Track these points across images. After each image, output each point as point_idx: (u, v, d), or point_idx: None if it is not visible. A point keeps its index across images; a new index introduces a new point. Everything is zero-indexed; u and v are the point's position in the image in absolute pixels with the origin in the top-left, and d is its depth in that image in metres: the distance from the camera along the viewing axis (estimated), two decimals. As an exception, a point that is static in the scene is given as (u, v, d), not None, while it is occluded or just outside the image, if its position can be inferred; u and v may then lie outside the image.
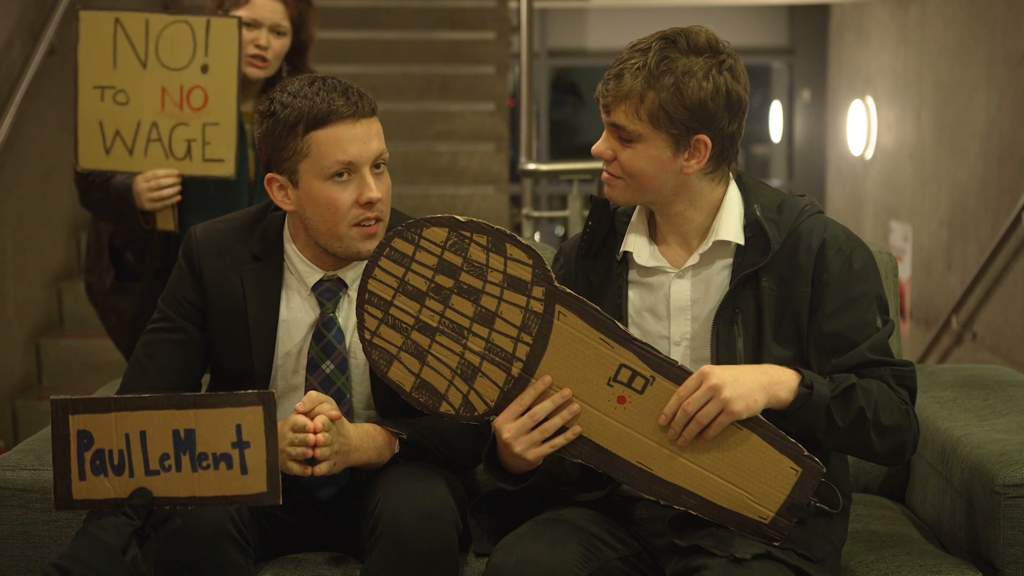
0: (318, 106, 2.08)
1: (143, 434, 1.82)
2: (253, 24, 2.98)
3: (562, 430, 1.98)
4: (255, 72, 3.00)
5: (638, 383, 1.95)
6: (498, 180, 5.99)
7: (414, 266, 1.98)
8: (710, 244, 2.08)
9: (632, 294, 2.13)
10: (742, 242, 2.07)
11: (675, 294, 2.10)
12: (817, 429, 1.97)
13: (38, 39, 4.70)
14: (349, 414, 2.19)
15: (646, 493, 1.98)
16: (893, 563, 2.12)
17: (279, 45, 3.02)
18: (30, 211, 4.76)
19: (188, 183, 2.99)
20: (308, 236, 2.18)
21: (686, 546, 1.97)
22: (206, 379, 2.35)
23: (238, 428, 1.82)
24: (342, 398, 2.18)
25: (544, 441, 1.98)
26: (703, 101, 1.98)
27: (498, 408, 1.99)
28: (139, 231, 3.02)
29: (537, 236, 5.66)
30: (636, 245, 2.12)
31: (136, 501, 1.81)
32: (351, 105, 2.09)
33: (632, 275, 2.14)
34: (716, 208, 2.09)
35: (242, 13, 2.98)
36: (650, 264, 2.12)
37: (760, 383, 1.93)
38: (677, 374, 1.94)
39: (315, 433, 2.00)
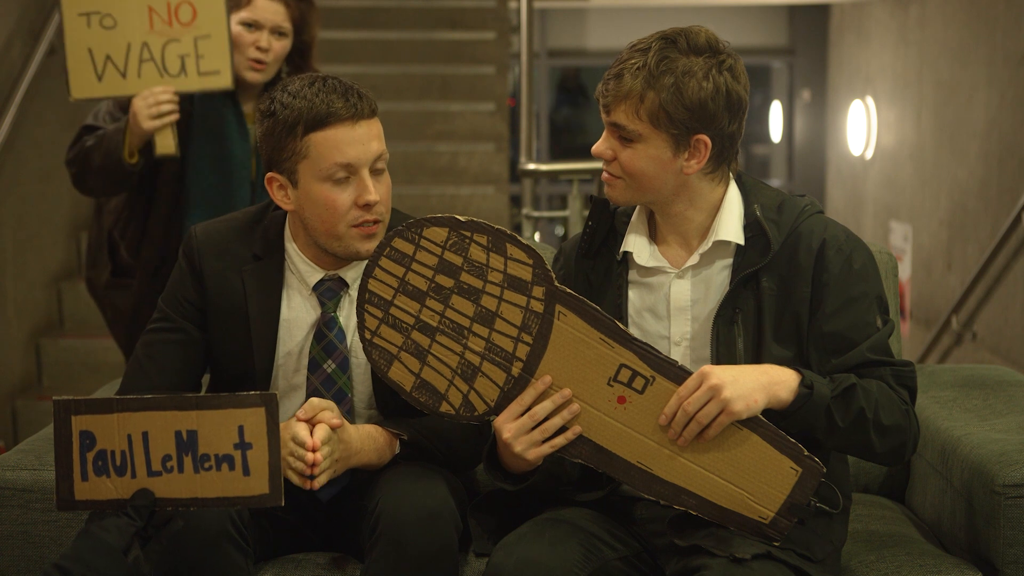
0: (317, 108, 2.08)
1: (145, 435, 1.83)
2: (254, 25, 2.97)
3: (562, 430, 1.98)
4: (254, 76, 2.99)
5: (638, 383, 1.95)
6: (498, 180, 5.99)
7: (414, 266, 1.98)
8: (710, 244, 2.08)
9: (632, 294, 2.13)
10: (742, 242, 2.07)
11: (675, 294, 2.10)
12: (817, 429, 1.97)
13: (38, 39, 4.70)
14: (351, 414, 2.19)
15: (646, 493, 1.98)
16: (893, 563, 2.12)
17: (280, 47, 3.01)
18: (30, 211, 4.76)
19: (191, 181, 2.98)
20: (308, 236, 2.18)
21: (686, 546, 1.97)
22: (206, 379, 2.35)
23: (240, 429, 1.82)
24: (344, 398, 2.18)
25: (544, 441, 1.98)
26: (703, 101, 1.98)
27: (498, 408, 1.99)
28: (138, 202, 2.96)
29: (537, 236, 5.65)
30: (636, 245, 2.12)
31: (138, 502, 1.81)
32: (350, 107, 2.09)
33: (632, 275, 2.14)
34: (716, 208, 2.09)
35: (243, 14, 2.97)
36: (650, 264, 2.12)
37: (760, 383, 1.93)
38: (677, 374, 1.94)
39: (314, 450, 1.99)
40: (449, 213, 2.01)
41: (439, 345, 1.98)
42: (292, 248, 2.23)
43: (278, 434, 1.83)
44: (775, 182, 10.33)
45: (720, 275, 2.09)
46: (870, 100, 8.46)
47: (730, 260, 2.08)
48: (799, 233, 2.06)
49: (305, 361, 2.20)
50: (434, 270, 1.97)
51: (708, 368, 1.93)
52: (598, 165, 2.24)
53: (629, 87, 1.99)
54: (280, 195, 2.17)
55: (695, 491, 1.96)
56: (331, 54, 5.76)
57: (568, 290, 1.97)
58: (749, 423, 1.93)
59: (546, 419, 1.97)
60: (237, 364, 2.22)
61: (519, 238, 1.97)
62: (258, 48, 2.97)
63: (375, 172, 2.13)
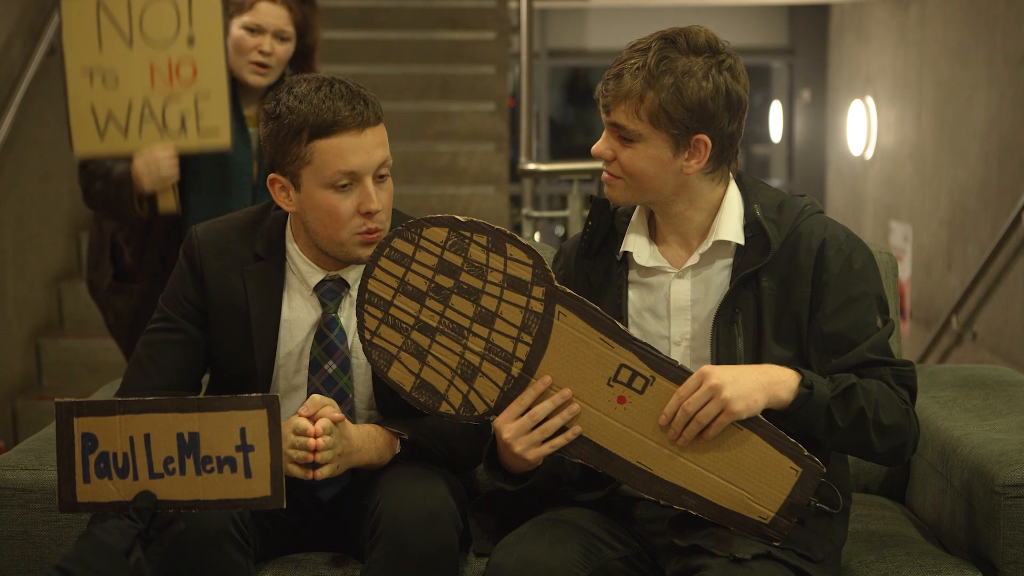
0: (323, 115, 2.07)
1: (147, 437, 1.83)
2: (257, 30, 2.97)
3: (562, 430, 1.98)
4: (257, 80, 2.99)
5: (638, 383, 1.95)
6: (498, 180, 5.99)
7: (414, 266, 1.98)
8: (710, 244, 2.08)
9: (632, 294, 2.13)
10: (742, 242, 2.07)
11: (675, 294, 2.10)
12: (817, 429, 1.97)
13: (38, 39, 4.70)
14: (351, 414, 2.19)
15: (646, 493, 1.99)
16: (893, 563, 2.13)
17: (283, 51, 3.00)
18: (30, 211, 4.76)
19: (192, 183, 2.99)
20: (309, 237, 2.18)
21: (686, 546, 1.97)
22: (205, 379, 2.35)
23: (242, 431, 1.82)
24: (344, 398, 2.18)
25: (544, 441, 1.98)
26: (703, 101, 1.99)
27: (498, 408, 1.99)
28: (139, 226, 3.00)
29: (537, 236, 5.66)
30: (636, 245, 2.13)
31: (140, 504, 1.81)
32: (356, 115, 2.08)
33: (632, 275, 2.14)
34: (716, 208, 2.09)
35: (245, 19, 2.97)
36: (650, 264, 2.12)
37: (760, 383, 1.93)
38: (677, 374, 1.94)
39: (316, 437, 2.00)
40: (449, 213, 2.01)
41: (439, 345, 1.98)
42: (293, 248, 2.23)
43: (280, 436, 1.83)
44: (775, 182, 10.34)
45: (720, 275, 2.09)
46: (870, 100, 8.46)
47: (730, 260, 2.08)
48: (799, 233, 2.06)
49: (306, 362, 2.20)
50: (434, 270, 1.97)
51: (708, 368, 1.93)
52: (598, 165, 2.24)
53: (629, 87, 1.99)
54: (282, 196, 2.17)
55: (695, 491, 1.96)
56: (331, 54, 5.75)
57: (568, 290, 1.97)
58: (749, 423, 1.94)
59: (546, 419, 1.97)
60: (237, 364, 2.22)
61: (519, 238, 1.97)
62: (260, 52, 2.97)
63: (378, 179, 2.13)
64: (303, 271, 2.21)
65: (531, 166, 4.94)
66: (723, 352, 2.04)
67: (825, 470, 1.95)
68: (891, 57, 7.96)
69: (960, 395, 2.55)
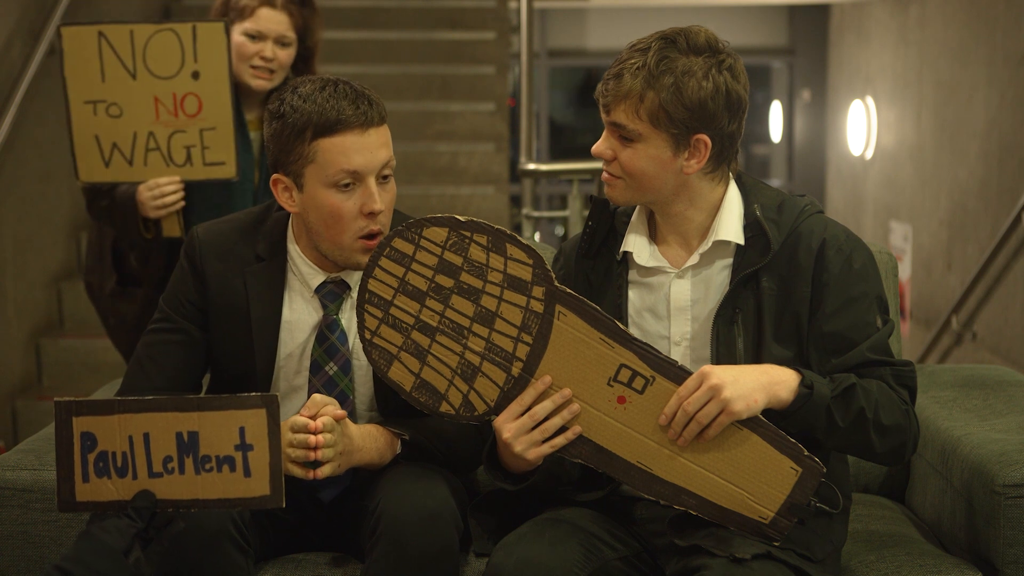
0: (327, 114, 2.07)
1: (146, 436, 1.83)
2: (258, 36, 2.97)
3: (562, 430, 1.98)
4: (260, 84, 2.99)
5: (638, 383, 1.95)
6: (498, 180, 5.99)
7: (414, 266, 1.98)
8: (710, 244, 2.08)
9: (632, 294, 2.13)
10: (742, 242, 2.07)
11: (675, 294, 2.10)
12: (817, 429, 1.97)
13: (38, 39, 4.70)
14: (352, 416, 2.19)
15: (646, 493, 1.99)
16: (893, 563, 2.12)
17: (285, 56, 3.00)
18: (30, 211, 4.76)
19: (192, 186, 2.99)
20: (310, 239, 2.18)
21: (686, 546, 1.97)
22: (206, 380, 2.35)
23: (241, 431, 1.82)
24: (345, 400, 2.18)
25: (544, 441, 1.98)
26: (703, 101, 1.99)
27: (498, 408, 1.99)
28: (141, 240, 3.01)
29: (537, 236, 5.66)
30: (636, 245, 2.13)
31: (139, 503, 1.81)
32: (360, 115, 2.08)
33: (632, 275, 2.14)
34: (716, 208, 2.09)
35: (246, 25, 2.97)
36: (650, 264, 2.12)
37: (760, 383, 1.93)
38: (677, 374, 1.94)
39: (316, 433, 2.00)
40: (449, 213, 2.02)
41: (439, 345, 1.98)
42: (295, 250, 2.23)
43: (279, 435, 1.83)
44: (775, 182, 10.34)
45: (720, 275, 2.09)
46: (870, 100, 8.46)
47: (730, 260, 2.08)
48: (799, 233, 2.06)
49: (307, 363, 2.20)
50: (434, 270, 1.97)
51: (708, 368, 1.93)
52: (598, 165, 2.24)
53: (629, 87, 1.99)
54: (284, 197, 2.16)
55: (695, 491, 1.96)
56: (331, 54, 5.76)
57: (568, 290, 1.97)
58: (749, 423, 1.94)
59: (546, 419, 1.97)
60: (238, 365, 2.22)
61: (519, 238, 1.97)
62: (262, 58, 2.97)
63: (381, 179, 2.13)
64: (304, 272, 2.21)
65: (531, 166, 4.93)
66: (723, 352, 2.04)
67: (825, 470, 1.95)
68: (891, 57, 7.96)
69: (960, 395, 2.55)
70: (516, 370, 1.98)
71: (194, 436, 1.82)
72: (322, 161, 2.09)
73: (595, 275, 2.17)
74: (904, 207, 7.69)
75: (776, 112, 10.74)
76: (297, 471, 2.00)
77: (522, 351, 1.97)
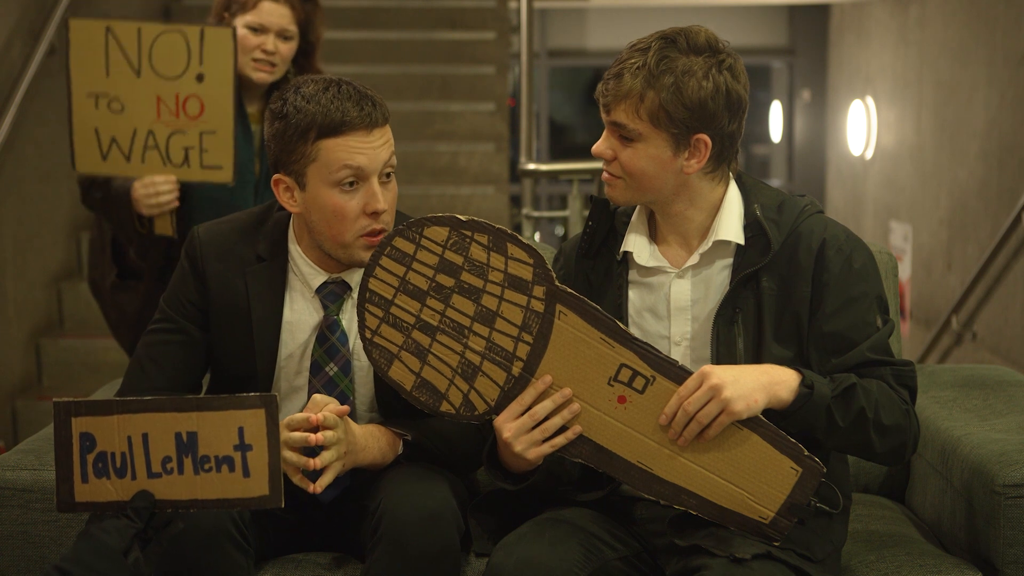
0: (332, 115, 2.07)
1: (145, 436, 1.82)
2: (260, 29, 2.97)
3: (562, 430, 1.98)
4: (263, 77, 3.00)
5: (638, 383, 1.95)
6: (498, 180, 5.99)
7: (415, 265, 1.98)
8: (710, 244, 2.08)
9: (632, 294, 2.13)
10: (742, 242, 2.07)
11: (675, 294, 2.10)
12: (817, 429, 1.97)
13: (38, 39, 4.70)
14: (352, 416, 2.18)
15: (646, 493, 1.98)
16: (893, 563, 2.12)
17: (286, 49, 3.01)
18: (30, 211, 4.76)
19: (191, 184, 2.99)
20: (312, 239, 2.18)
21: (686, 546, 1.97)
22: (206, 380, 2.35)
23: (240, 431, 1.82)
24: (345, 400, 2.18)
25: (544, 440, 1.98)
26: (703, 100, 1.98)
27: (499, 407, 1.99)
28: (136, 234, 3.01)
29: (537, 236, 5.66)
30: (636, 245, 2.13)
31: (138, 504, 1.81)
32: (365, 116, 2.08)
33: (632, 275, 2.14)
34: (716, 208, 2.09)
35: (248, 18, 2.97)
36: (650, 264, 2.12)
37: (760, 383, 1.93)
38: (677, 374, 1.94)
39: (317, 430, 1.99)
40: (449, 213, 2.01)
41: (440, 344, 1.98)
42: (296, 250, 2.22)
43: (278, 436, 1.83)
44: (775, 182, 10.34)
45: (720, 275, 2.09)
46: (870, 100, 8.46)
47: (730, 260, 2.08)
48: (799, 233, 2.06)
49: (307, 363, 2.20)
50: (435, 269, 1.97)
51: (708, 368, 1.93)
52: (598, 165, 2.24)
53: (629, 87, 1.99)
54: (286, 197, 2.16)
55: (695, 491, 1.96)
56: (331, 54, 5.75)
57: (569, 290, 1.97)
58: (749, 423, 1.93)
59: (546, 418, 1.97)
60: (238, 365, 2.22)
61: (520, 237, 1.97)
62: (264, 51, 2.97)
63: (383, 179, 2.13)
64: (305, 273, 2.21)
65: (531, 166, 4.93)
66: (723, 352, 2.04)
67: (825, 470, 1.95)
68: (891, 57, 7.96)
69: (960, 395, 2.55)
70: (516, 369, 1.98)
71: (193, 436, 1.82)
72: (325, 160, 2.09)
73: (595, 275, 2.17)
74: (904, 207, 7.69)
75: (776, 112, 10.74)
76: (298, 480, 1.99)
77: (523, 351, 1.97)
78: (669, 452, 1.96)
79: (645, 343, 1.96)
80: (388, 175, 2.14)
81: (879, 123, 8.28)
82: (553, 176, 5.98)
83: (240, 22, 2.97)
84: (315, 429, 2.00)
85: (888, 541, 2.22)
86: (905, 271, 7.50)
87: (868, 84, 8.53)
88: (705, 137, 2.01)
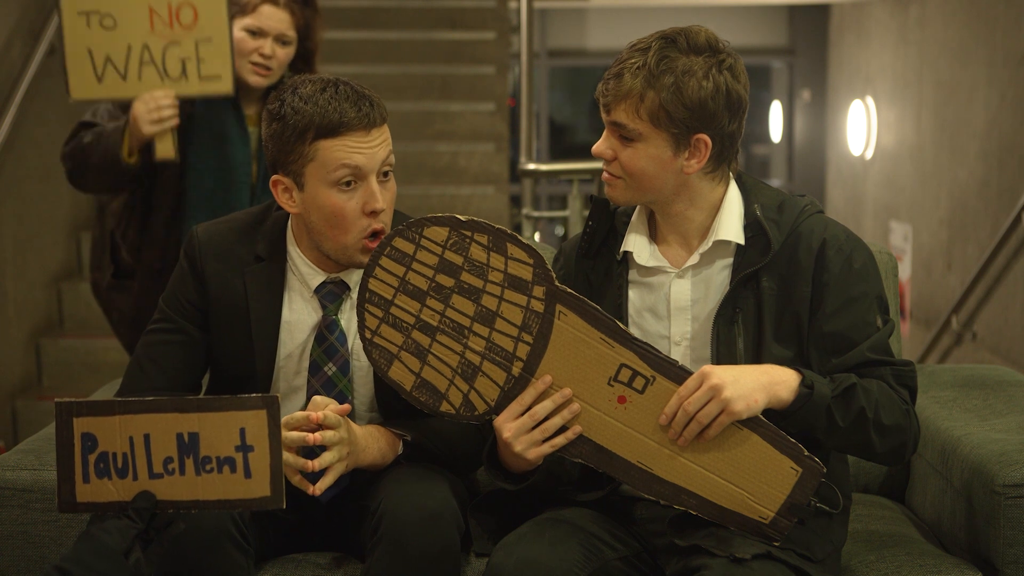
0: (330, 116, 2.07)
1: (147, 437, 1.82)
2: (258, 33, 2.96)
3: (562, 430, 1.98)
4: (258, 81, 2.98)
5: (638, 383, 1.95)
6: (498, 180, 5.99)
7: (415, 265, 1.98)
8: (710, 244, 2.08)
9: (632, 294, 2.13)
10: (742, 242, 2.07)
11: (675, 294, 2.10)
12: (818, 429, 1.97)
13: (38, 39, 4.70)
14: (352, 417, 2.18)
15: (646, 493, 1.99)
16: (893, 563, 2.13)
17: (284, 54, 3.00)
18: (30, 211, 4.76)
19: (190, 183, 2.98)
20: (311, 239, 2.18)
21: (686, 546, 1.97)
22: (205, 380, 2.35)
23: (242, 432, 1.82)
24: (344, 400, 2.18)
25: (544, 440, 1.98)
26: (703, 100, 1.99)
27: (498, 407, 1.99)
28: (124, 175, 2.96)
29: (537, 236, 5.65)
30: (636, 245, 2.13)
31: (139, 504, 1.81)
32: (363, 117, 2.08)
33: (632, 275, 2.14)
34: (716, 208, 2.09)
35: (247, 21, 2.96)
36: (650, 264, 2.12)
37: (761, 383, 1.93)
38: (678, 374, 1.94)
39: (316, 431, 1.99)
40: (449, 213, 2.02)
41: (439, 344, 1.98)
42: (294, 250, 2.22)
43: (279, 436, 1.83)
44: (775, 182, 10.34)
45: (720, 275, 2.09)
46: (870, 100, 8.46)
47: (730, 260, 2.08)
48: (799, 233, 2.06)
49: (306, 363, 2.20)
50: (435, 269, 1.97)
51: (709, 368, 1.93)
52: (598, 165, 2.24)
53: (629, 86, 2.00)
54: (285, 198, 2.16)
55: (695, 491, 1.96)
56: (331, 54, 5.75)
57: (568, 290, 1.97)
58: (749, 423, 1.94)
59: (546, 419, 1.97)
60: (238, 365, 2.22)
61: (520, 238, 1.97)
62: (261, 55, 2.96)
63: (382, 178, 2.13)
64: (304, 273, 2.21)
65: (531, 166, 4.93)
66: (723, 352, 2.04)
67: (825, 470, 1.95)
68: (891, 57, 7.96)
69: (960, 395, 2.55)
70: (516, 369, 1.98)
71: (194, 437, 1.82)
72: (323, 160, 2.09)
73: (595, 275, 2.17)
74: (904, 207, 7.69)
75: (776, 112, 10.74)
76: (297, 481, 1.99)
77: (522, 351, 1.97)
78: (669, 452, 1.96)
79: (645, 343, 1.96)
80: (386, 174, 2.14)
81: (879, 123, 8.28)
82: (553, 176, 5.98)
83: (239, 25, 2.96)
84: (315, 429, 2.00)
85: (888, 541, 2.22)
86: (905, 271, 7.50)
87: (868, 84, 8.53)
88: (705, 137, 2.01)
